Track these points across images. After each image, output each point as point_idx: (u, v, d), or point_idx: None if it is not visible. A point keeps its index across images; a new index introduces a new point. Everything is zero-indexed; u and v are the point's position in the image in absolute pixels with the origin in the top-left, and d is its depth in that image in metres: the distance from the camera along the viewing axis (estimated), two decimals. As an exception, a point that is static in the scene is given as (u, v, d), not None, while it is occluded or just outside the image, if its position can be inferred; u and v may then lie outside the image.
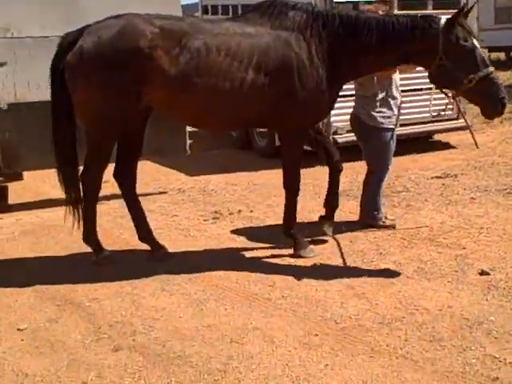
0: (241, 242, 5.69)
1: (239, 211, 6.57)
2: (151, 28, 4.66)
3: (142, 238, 5.34)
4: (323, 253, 5.27)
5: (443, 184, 7.26)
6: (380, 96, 5.58)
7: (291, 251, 5.25)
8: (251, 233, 5.89)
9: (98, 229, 5.23)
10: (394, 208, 6.47)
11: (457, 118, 9.27)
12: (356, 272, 4.90)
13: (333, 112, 8.18)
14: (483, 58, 4.68)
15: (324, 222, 5.48)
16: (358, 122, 5.72)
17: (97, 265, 5.09)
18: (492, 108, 4.69)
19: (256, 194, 7.11)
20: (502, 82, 4.73)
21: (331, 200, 5.46)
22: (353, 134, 8.32)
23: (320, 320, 4.18)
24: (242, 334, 3.99)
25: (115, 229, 6.05)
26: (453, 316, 4.18)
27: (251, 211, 6.57)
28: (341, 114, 8.33)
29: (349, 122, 8.02)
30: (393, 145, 5.73)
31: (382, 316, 4.19)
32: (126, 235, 5.87)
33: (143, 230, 5.33)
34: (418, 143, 9.01)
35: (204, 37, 4.73)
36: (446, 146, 9.43)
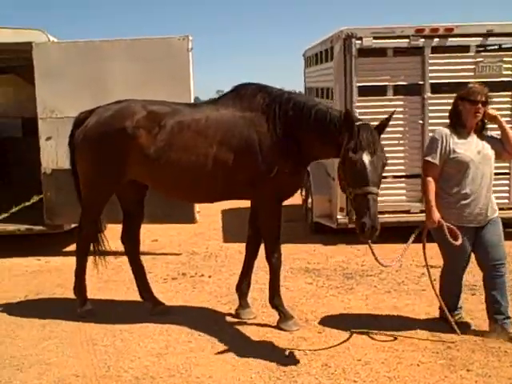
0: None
1: (201, 275, 7.30)
2: (141, 111, 5.46)
3: (141, 295, 6.06)
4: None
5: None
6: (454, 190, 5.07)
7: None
8: (181, 295, 6.62)
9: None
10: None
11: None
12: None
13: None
14: (365, 174, 4.43)
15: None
16: None
17: (79, 317, 5.79)
18: (357, 227, 4.48)
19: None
20: (374, 205, 4.42)
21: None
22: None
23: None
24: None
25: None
26: None
27: (209, 276, 7.24)
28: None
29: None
30: (466, 245, 5.05)
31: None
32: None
33: (142, 287, 6.09)
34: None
35: (179, 117, 5.45)
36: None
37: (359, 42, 8.16)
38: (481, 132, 5.15)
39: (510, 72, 8.32)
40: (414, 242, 5.07)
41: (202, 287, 6.84)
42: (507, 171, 8.52)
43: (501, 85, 8.37)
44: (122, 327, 5.62)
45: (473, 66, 8.31)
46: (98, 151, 5.58)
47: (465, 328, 5.21)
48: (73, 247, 8.71)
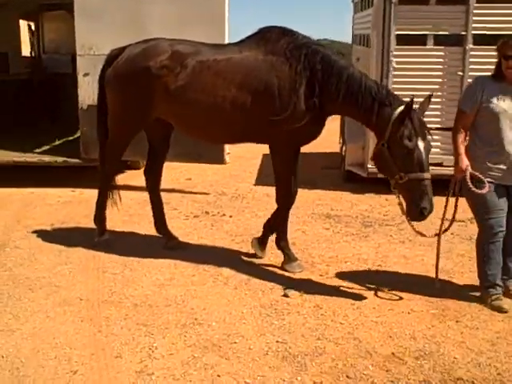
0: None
1: (223, 215, 7.46)
2: (166, 51, 5.51)
3: (157, 228, 6.26)
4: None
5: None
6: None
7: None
8: (198, 232, 6.80)
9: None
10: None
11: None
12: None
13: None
14: (421, 161, 4.54)
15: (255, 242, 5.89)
16: None
17: (96, 245, 6.04)
18: (411, 212, 4.63)
19: (267, 207, 7.78)
20: (431, 191, 4.54)
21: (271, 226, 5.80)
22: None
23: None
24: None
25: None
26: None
27: (230, 216, 7.39)
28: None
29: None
30: (496, 201, 4.73)
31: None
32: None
33: (159, 221, 6.30)
34: None
35: (201, 57, 5.42)
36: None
37: (400, -11, 7.92)
38: None
39: (562, 25, 7.89)
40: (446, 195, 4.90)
41: (221, 226, 7.01)
42: None
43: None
44: (134, 258, 5.85)
45: (521, 18, 7.94)
46: (126, 89, 5.71)
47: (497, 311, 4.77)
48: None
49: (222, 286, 5.24)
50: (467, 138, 4.89)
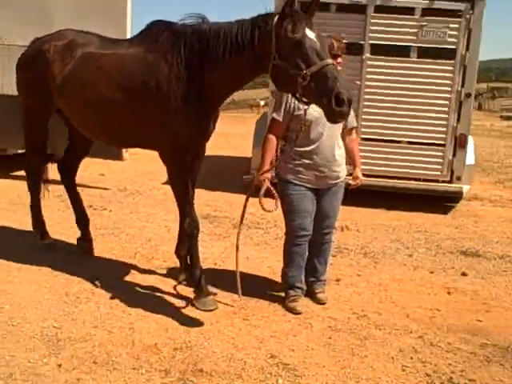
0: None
1: (104, 209, 7.70)
2: (66, 38, 5.29)
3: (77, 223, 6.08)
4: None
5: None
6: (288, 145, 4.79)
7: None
8: (67, 223, 6.91)
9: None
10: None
11: (450, 181, 8.38)
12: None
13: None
14: (317, 49, 3.96)
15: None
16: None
17: (40, 249, 5.85)
18: (326, 107, 3.90)
19: (155, 204, 7.93)
20: (339, 76, 3.91)
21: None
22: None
23: None
24: None
25: None
26: None
27: (110, 211, 7.64)
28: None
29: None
30: (302, 204, 4.85)
31: None
32: None
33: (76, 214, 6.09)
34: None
35: (88, 49, 5.12)
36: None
37: (299, -5, 8.02)
38: None
39: (454, 40, 7.99)
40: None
41: (93, 219, 7.09)
42: (442, 142, 8.28)
43: (444, 52, 8.09)
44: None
45: (416, 30, 8.05)
46: (25, 73, 5.57)
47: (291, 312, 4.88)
48: (19, 172, 9.27)
49: (44, 275, 5.36)
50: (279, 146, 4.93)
